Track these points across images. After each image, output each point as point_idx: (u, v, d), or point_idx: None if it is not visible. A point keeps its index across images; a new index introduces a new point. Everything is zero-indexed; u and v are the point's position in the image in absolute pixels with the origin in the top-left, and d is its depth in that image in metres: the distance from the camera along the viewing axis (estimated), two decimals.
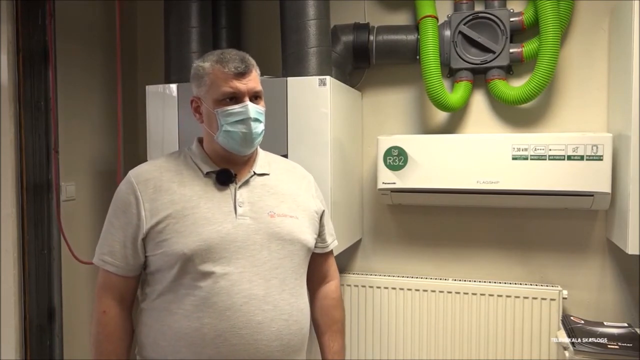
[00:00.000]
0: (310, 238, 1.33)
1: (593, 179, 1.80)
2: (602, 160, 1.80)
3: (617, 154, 1.83)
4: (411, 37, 2.08)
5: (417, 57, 2.08)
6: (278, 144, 1.84)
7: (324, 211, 1.42)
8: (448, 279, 2.13)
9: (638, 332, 1.79)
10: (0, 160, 1.96)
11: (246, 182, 1.29)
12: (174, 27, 2.03)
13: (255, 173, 1.32)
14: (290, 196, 1.34)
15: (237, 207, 1.24)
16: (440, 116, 2.18)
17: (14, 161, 1.99)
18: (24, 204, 2.01)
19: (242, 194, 1.27)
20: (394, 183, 1.99)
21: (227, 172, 1.27)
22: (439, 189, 1.96)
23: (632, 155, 1.70)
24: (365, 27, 2.13)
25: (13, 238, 1.98)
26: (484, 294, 2.04)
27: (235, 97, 1.24)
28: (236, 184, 1.28)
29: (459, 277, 2.15)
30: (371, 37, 2.12)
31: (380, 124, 2.25)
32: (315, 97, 1.80)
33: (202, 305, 1.18)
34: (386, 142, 2.00)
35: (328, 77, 1.80)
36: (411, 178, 1.97)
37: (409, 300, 2.13)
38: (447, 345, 2.08)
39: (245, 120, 1.25)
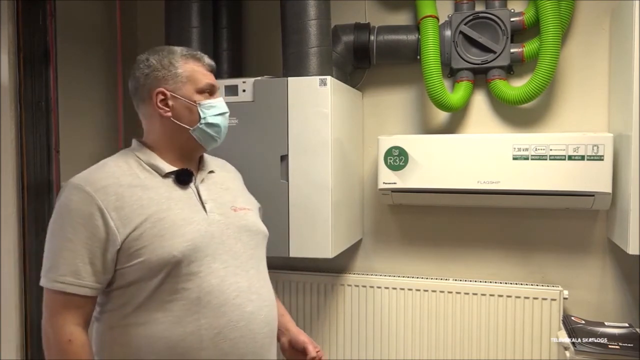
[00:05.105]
0: (265, 228, 1.39)
1: (594, 179, 1.80)
2: (602, 160, 1.79)
3: (618, 154, 1.83)
4: (412, 37, 2.08)
5: (418, 57, 2.07)
6: (278, 144, 1.84)
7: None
8: (448, 279, 2.13)
9: (639, 332, 1.79)
10: (0, 160, 1.96)
11: (202, 181, 1.31)
12: (174, 27, 2.03)
13: (206, 171, 1.34)
14: (239, 191, 1.41)
15: (205, 205, 1.26)
16: (441, 116, 2.18)
17: (15, 161, 1.99)
18: (24, 204, 2.00)
19: (203, 191, 1.28)
20: (395, 183, 1.99)
21: (186, 171, 1.27)
22: (439, 189, 1.96)
23: (632, 155, 1.70)
24: (365, 27, 2.13)
25: (13, 238, 1.98)
26: (484, 294, 2.04)
27: (211, 92, 1.29)
28: (194, 182, 1.28)
29: (459, 277, 2.15)
30: (372, 37, 2.11)
31: (381, 124, 2.25)
32: (316, 97, 1.80)
33: (196, 306, 1.16)
34: (387, 142, 2.00)
35: (329, 77, 1.80)
36: (412, 178, 1.97)
37: (409, 300, 2.13)
38: (448, 345, 2.08)
39: (225, 114, 1.32)
